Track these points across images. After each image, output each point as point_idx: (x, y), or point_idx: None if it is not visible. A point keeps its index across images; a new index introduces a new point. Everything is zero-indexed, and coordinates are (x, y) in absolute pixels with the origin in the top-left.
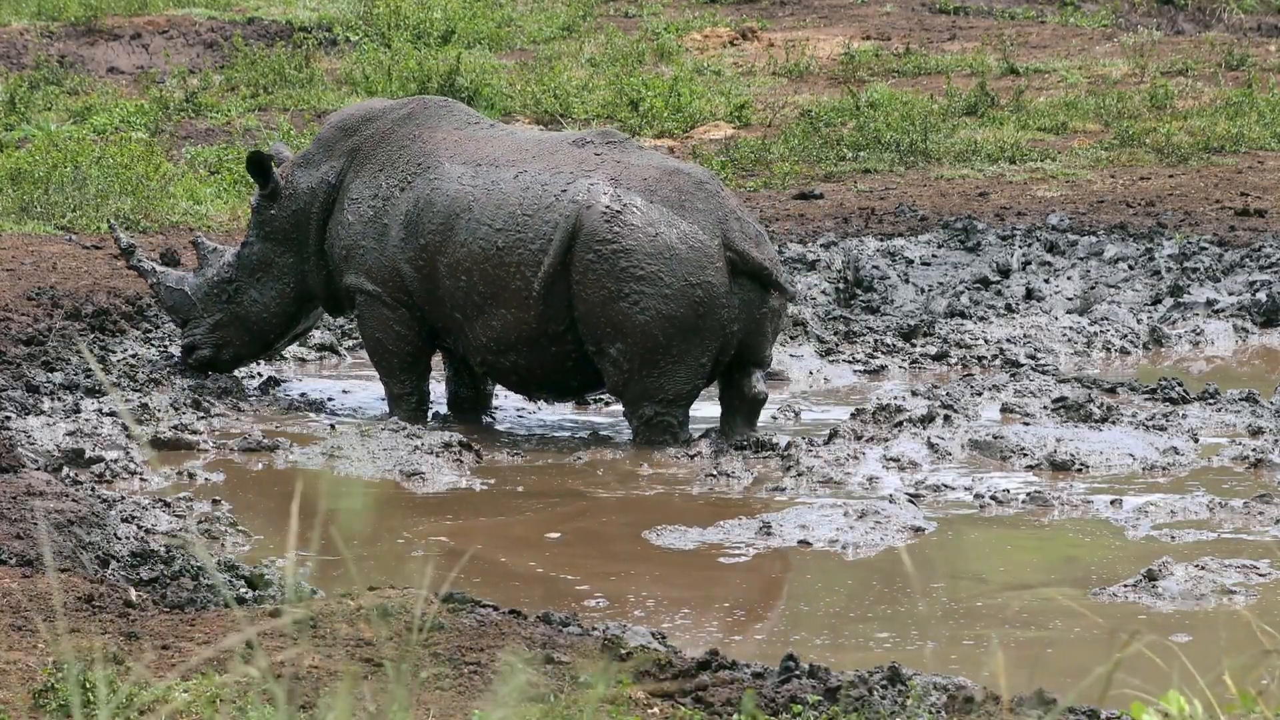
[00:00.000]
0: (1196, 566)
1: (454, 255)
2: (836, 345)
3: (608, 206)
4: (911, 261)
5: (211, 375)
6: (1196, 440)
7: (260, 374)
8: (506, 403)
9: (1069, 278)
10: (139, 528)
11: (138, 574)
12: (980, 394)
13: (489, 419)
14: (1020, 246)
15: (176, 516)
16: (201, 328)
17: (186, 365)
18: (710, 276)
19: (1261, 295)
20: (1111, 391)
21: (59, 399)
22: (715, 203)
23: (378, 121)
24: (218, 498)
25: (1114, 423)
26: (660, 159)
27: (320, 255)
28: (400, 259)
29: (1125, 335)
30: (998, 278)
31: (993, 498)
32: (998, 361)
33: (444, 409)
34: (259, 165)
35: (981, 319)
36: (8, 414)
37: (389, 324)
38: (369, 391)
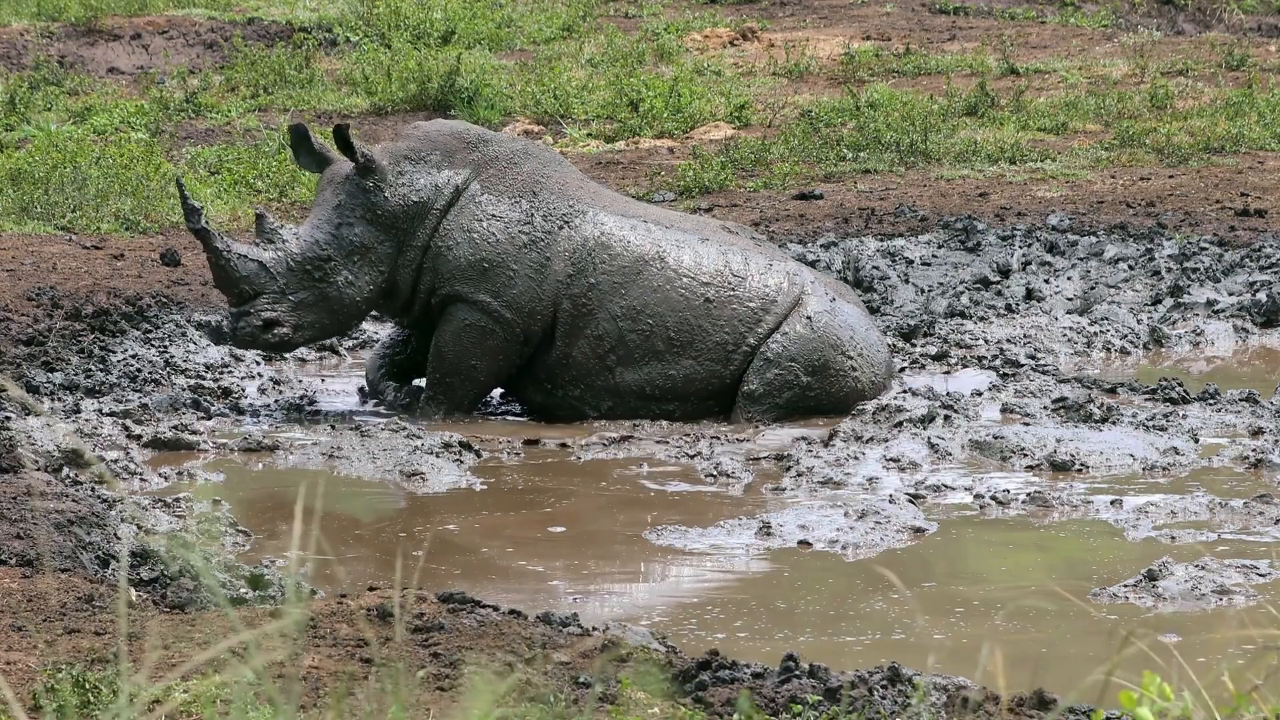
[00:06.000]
0: (1196, 566)
1: (638, 300)
2: None
3: (826, 290)
4: (911, 262)
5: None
6: (1197, 440)
7: (260, 374)
8: (504, 403)
9: (1069, 278)
10: (139, 528)
11: (138, 574)
12: (980, 394)
13: (486, 418)
14: (1020, 247)
15: (177, 517)
16: (283, 305)
17: (254, 340)
18: (888, 383)
19: (1261, 295)
20: (1112, 392)
21: (59, 399)
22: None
23: (496, 146)
24: (218, 498)
25: (1114, 423)
26: None
27: (424, 251)
28: (564, 294)
29: (1125, 335)
30: (998, 278)
31: (993, 498)
32: (998, 362)
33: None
34: (345, 139)
35: (981, 319)
36: (8, 414)
37: (496, 354)
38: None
